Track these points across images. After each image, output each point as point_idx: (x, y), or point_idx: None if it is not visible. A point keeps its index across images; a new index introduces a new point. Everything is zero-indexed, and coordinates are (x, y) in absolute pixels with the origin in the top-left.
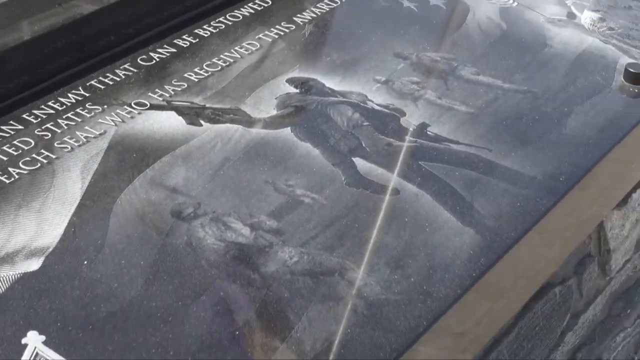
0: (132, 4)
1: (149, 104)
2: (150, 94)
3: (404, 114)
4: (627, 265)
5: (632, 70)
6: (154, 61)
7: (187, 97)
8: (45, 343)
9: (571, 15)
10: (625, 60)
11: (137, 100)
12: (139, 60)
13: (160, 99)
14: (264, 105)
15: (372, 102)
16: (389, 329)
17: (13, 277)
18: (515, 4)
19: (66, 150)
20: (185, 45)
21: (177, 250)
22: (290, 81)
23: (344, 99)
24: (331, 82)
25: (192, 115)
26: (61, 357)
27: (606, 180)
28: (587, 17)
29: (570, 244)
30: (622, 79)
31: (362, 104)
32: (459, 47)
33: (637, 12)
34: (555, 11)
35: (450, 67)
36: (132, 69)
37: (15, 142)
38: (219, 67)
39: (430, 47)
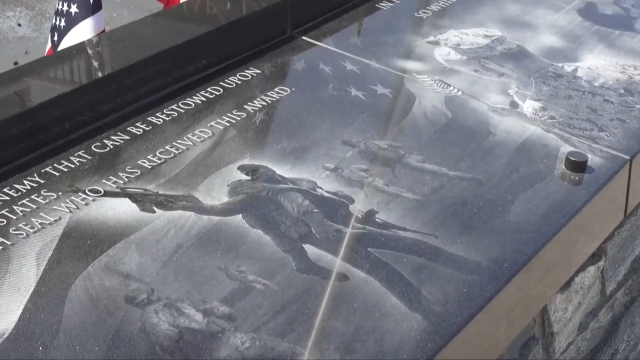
0: (86, 92)
1: (103, 191)
2: (104, 180)
3: (352, 201)
4: (570, 347)
5: (572, 158)
6: (108, 148)
7: (141, 184)
8: None
9: (514, 104)
10: (566, 148)
11: (91, 187)
12: (93, 147)
13: (114, 185)
14: (216, 192)
15: (322, 189)
16: None
17: None
18: (460, 92)
19: (21, 236)
20: (138, 133)
21: (131, 336)
22: (242, 168)
23: (294, 186)
24: (281, 170)
25: (146, 202)
26: None
27: (550, 265)
28: (529, 106)
29: (515, 327)
30: (564, 167)
31: (312, 191)
32: (405, 135)
33: (577, 102)
34: (498, 100)
35: (397, 154)
36: (86, 156)
37: None
38: (172, 155)
39: (378, 135)
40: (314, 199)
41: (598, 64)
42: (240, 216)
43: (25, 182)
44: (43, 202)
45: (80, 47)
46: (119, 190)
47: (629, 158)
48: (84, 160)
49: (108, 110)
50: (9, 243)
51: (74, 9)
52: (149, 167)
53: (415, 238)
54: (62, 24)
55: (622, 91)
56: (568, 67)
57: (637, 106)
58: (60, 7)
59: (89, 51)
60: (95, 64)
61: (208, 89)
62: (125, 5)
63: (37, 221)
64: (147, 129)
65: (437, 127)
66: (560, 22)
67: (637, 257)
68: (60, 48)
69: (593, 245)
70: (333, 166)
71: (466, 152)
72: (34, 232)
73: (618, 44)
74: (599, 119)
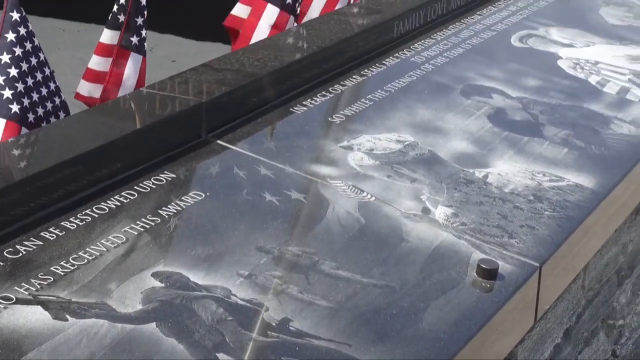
0: None
1: (15, 298)
2: (16, 287)
3: (267, 309)
4: None
5: (483, 266)
6: (21, 254)
7: (54, 291)
8: None
9: (426, 211)
10: (477, 255)
11: (3, 294)
12: (5, 253)
13: (27, 293)
14: (129, 299)
15: (236, 296)
16: None
17: None
18: (373, 198)
19: None
20: (52, 238)
21: None
22: (156, 275)
23: (208, 294)
24: (195, 276)
25: (58, 310)
26: None
27: None
28: (441, 212)
29: None
30: (475, 274)
31: (226, 299)
32: (319, 241)
33: (488, 208)
34: (410, 206)
35: (311, 261)
36: None
37: None
38: (86, 261)
39: (292, 241)
40: (228, 306)
41: (508, 170)
42: (154, 324)
43: None
44: None
45: None
46: (31, 297)
47: (538, 265)
48: None
49: (21, 215)
50: None
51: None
52: (62, 273)
53: (329, 347)
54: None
55: (531, 198)
56: (479, 173)
57: (546, 213)
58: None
59: (3, 153)
60: (9, 166)
61: (122, 193)
62: None
63: None
64: (60, 234)
65: (350, 233)
66: (471, 128)
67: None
68: None
69: (504, 350)
70: (247, 273)
71: (379, 258)
72: None
73: (527, 150)
74: (509, 226)
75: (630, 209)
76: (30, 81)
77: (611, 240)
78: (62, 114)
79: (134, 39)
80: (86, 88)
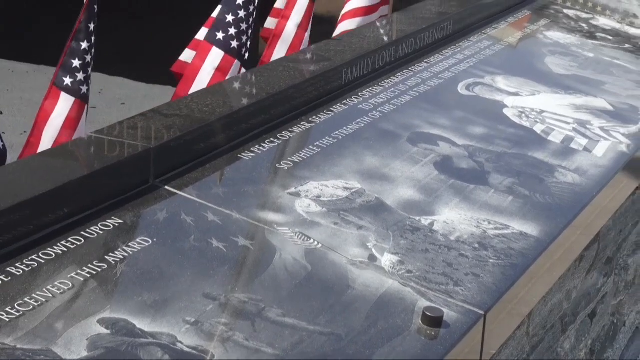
0: None
1: None
2: None
3: (213, 356)
4: None
5: (429, 314)
6: None
7: None
8: None
9: (372, 258)
10: (423, 303)
11: None
12: None
13: None
14: (75, 346)
15: (182, 343)
16: None
17: None
18: (320, 245)
19: None
20: None
21: None
22: (102, 322)
23: (154, 340)
24: (142, 323)
25: (2, 357)
26: None
27: None
28: (387, 259)
29: None
30: (420, 322)
31: (171, 346)
32: (266, 288)
33: (433, 256)
34: (357, 253)
35: (257, 308)
36: None
37: None
38: (31, 307)
39: (239, 288)
40: (174, 354)
41: (454, 218)
42: None
43: None
44: None
45: None
46: None
47: (483, 313)
48: None
49: None
50: None
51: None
52: (7, 320)
53: None
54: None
55: (476, 245)
56: (425, 221)
57: (490, 261)
58: None
59: None
60: None
61: (69, 239)
62: None
63: None
64: (5, 279)
65: (297, 280)
66: (418, 176)
67: None
68: None
69: None
70: (194, 320)
71: (326, 306)
72: None
73: (473, 198)
74: (455, 274)
75: (574, 257)
76: None
77: (555, 287)
78: None
79: (67, 80)
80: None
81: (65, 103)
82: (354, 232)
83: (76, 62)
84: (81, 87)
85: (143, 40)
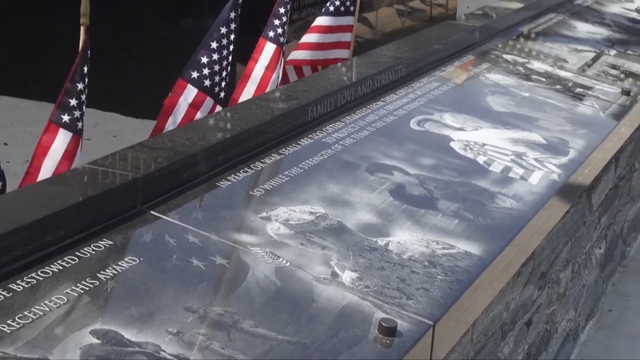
0: None
1: None
2: None
3: None
4: None
5: (384, 324)
6: None
7: (0, 347)
8: None
9: (334, 275)
10: (379, 314)
11: None
12: None
13: None
14: (69, 354)
15: (165, 352)
16: None
17: None
18: (288, 264)
19: None
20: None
21: None
22: (93, 333)
23: (140, 349)
24: (129, 334)
25: None
26: None
27: None
28: (347, 276)
29: None
30: (377, 332)
31: (155, 354)
32: (240, 302)
33: (388, 272)
34: (321, 271)
35: (232, 320)
36: None
37: None
38: (30, 320)
39: (216, 302)
40: None
41: (406, 239)
42: None
43: None
44: None
45: None
46: None
47: (432, 323)
48: None
49: None
50: None
51: None
52: (9, 331)
53: None
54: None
55: (426, 263)
56: (381, 242)
57: (439, 277)
58: None
59: None
60: None
61: (65, 258)
62: None
63: None
64: (7, 295)
65: (267, 294)
66: (375, 201)
67: None
68: None
69: None
70: (175, 331)
71: (293, 317)
72: None
73: (423, 221)
74: (407, 288)
75: (513, 272)
76: None
77: (496, 299)
78: None
79: (65, 117)
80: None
81: (63, 138)
82: (318, 252)
83: (73, 101)
84: (77, 123)
85: (133, 80)
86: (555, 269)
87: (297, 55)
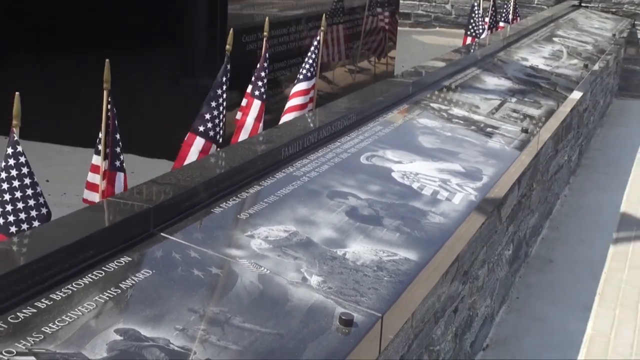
0: (10, 277)
1: (15, 352)
2: (16, 343)
3: (195, 353)
4: None
5: (343, 317)
6: (20, 319)
7: (44, 345)
8: None
9: (304, 279)
10: (339, 310)
11: (6, 349)
12: (8, 319)
13: (24, 347)
14: (98, 349)
15: (173, 344)
16: None
17: None
18: (268, 271)
19: None
20: (43, 307)
21: None
22: (117, 331)
23: (154, 343)
24: (145, 331)
25: (45, 359)
26: None
27: None
28: (314, 280)
29: None
30: (338, 323)
31: (166, 347)
32: (231, 303)
33: (346, 276)
34: (294, 276)
35: (225, 317)
36: (3, 325)
37: None
38: (67, 322)
39: (212, 304)
40: (168, 352)
41: (359, 249)
42: None
43: None
44: None
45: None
46: (27, 350)
47: (380, 315)
48: (1, 330)
49: (20, 290)
50: None
51: None
52: (50, 332)
53: None
54: None
55: (375, 268)
56: (340, 252)
57: (385, 278)
58: None
59: (8, 248)
60: (14, 256)
61: (94, 272)
62: None
63: None
64: (49, 303)
65: (252, 296)
66: (334, 220)
67: None
68: None
69: None
70: (181, 327)
71: (273, 314)
72: None
73: (372, 235)
74: (361, 288)
75: (442, 272)
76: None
77: (429, 294)
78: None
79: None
80: (88, 195)
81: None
82: (292, 262)
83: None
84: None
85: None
86: (475, 267)
87: (289, 117)
